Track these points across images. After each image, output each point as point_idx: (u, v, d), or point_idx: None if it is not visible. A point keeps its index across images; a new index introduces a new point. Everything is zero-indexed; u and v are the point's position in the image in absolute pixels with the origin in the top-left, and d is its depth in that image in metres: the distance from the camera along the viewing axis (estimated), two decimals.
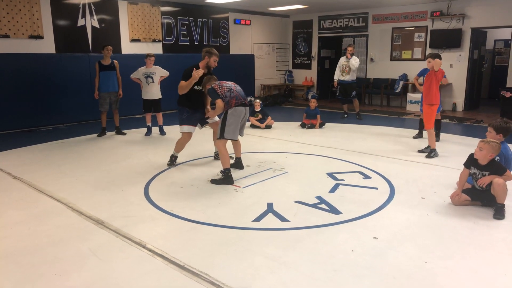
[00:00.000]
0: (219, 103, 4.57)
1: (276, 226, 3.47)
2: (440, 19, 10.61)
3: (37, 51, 8.26)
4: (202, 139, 6.49)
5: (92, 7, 9.05)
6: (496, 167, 3.72)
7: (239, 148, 5.17)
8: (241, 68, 11.97)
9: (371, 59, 12.21)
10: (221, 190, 4.41)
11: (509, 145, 4.13)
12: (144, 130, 7.60)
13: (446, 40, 10.52)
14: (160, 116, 7.55)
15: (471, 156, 3.88)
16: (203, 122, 5.31)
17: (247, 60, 12.55)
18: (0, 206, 4.00)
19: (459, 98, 10.73)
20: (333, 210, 3.81)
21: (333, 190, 4.38)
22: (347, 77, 9.04)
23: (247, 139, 6.69)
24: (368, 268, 2.77)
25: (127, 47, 9.73)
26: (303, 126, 8.14)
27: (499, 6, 9.69)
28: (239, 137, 4.93)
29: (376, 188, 4.44)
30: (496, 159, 3.80)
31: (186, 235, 3.32)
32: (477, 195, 3.86)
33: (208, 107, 5.34)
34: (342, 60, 9.14)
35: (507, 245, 3.13)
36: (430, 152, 5.75)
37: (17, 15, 7.96)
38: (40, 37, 8.29)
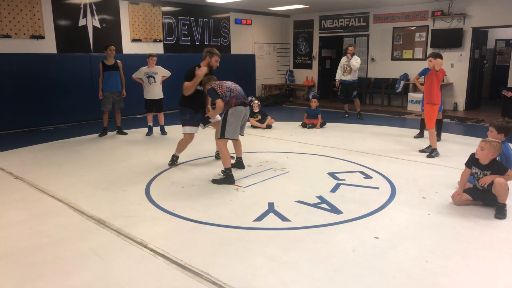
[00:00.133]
0: (219, 103, 4.57)
1: (277, 226, 3.47)
2: (441, 18, 10.59)
3: (38, 51, 8.27)
4: (203, 139, 6.48)
5: (93, 7, 9.06)
6: (497, 167, 3.71)
7: (240, 147, 5.17)
8: (242, 68, 11.98)
9: (372, 59, 12.20)
10: (222, 189, 4.41)
11: (510, 144, 4.12)
12: (145, 130, 7.61)
13: (447, 39, 10.51)
14: (161, 116, 7.56)
15: (472, 156, 3.87)
16: (205, 121, 5.31)
17: (248, 60, 12.55)
18: (1, 205, 4.01)
19: (460, 97, 10.71)
20: (334, 209, 3.81)
21: (334, 189, 4.38)
22: (348, 77, 9.04)
23: (248, 138, 6.70)
24: (369, 268, 2.77)
25: (128, 47, 9.74)
26: (304, 126, 8.14)
27: (500, 5, 9.68)
28: (240, 137, 4.93)
29: (377, 188, 4.43)
30: (497, 159, 3.79)
31: (187, 235, 3.33)
32: (478, 195, 3.85)
33: (209, 106, 5.34)
34: (343, 60, 9.14)
35: (508, 245, 3.12)
36: (431, 152, 5.75)
37: (19, 15, 7.97)
38: (41, 37, 8.30)
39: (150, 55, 7.31)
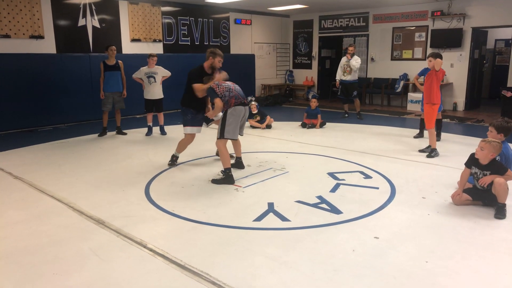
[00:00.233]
0: (218, 102, 4.59)
1: (276, 226, 3.47)
2: (440, 18, 10.60)
3: (38, 51, 8.27)
4: (203, 139, 6.48)
5: (93, 7, 9.05)
6: (497, 167, 3.71)
7: (239, 147, 5.17)
8: (241, 68, 11.96)
9: (372, 59, 12.20)
10: (221, 189, 4.41)
11: (510, 144, 4.12)
12: (145, 130, 7.61)
13: (446, 39, 10.51)
14: (161, 116, 7.56)
15: (472, 156, 3.87)
16: (208, 120, 5.32)
17: (248, 60, 12.55)
18: (1, 206, 4.00)
19: (459, 97, 10.72)
20: (334, 209, 3.81)
21: (333, 189, 4.38)
22: (348, 77, 9.05)
23: (248, 138, 6.70)
24: (369, 268, 2.77)
25: (128, 47, 9.74)
26: (303, 126, 8.14)
27: (500, 5, 9.68)
28: (239, 137, 4.94)
29: (377, 188, 4.43)
30: (497, 159, 3.79)
31: (187, 235, 3.32)
32: (478, 195, 3.85)
33: (209, 105, 5.34)
34: (343, 60, 9.15)
35: (508, 245, 3.12)
36: (431, 152, 5.75)
37: (18, 15, 7.97)
38: (40, 37, 8.30)
39: (150, 55, 7.31)
